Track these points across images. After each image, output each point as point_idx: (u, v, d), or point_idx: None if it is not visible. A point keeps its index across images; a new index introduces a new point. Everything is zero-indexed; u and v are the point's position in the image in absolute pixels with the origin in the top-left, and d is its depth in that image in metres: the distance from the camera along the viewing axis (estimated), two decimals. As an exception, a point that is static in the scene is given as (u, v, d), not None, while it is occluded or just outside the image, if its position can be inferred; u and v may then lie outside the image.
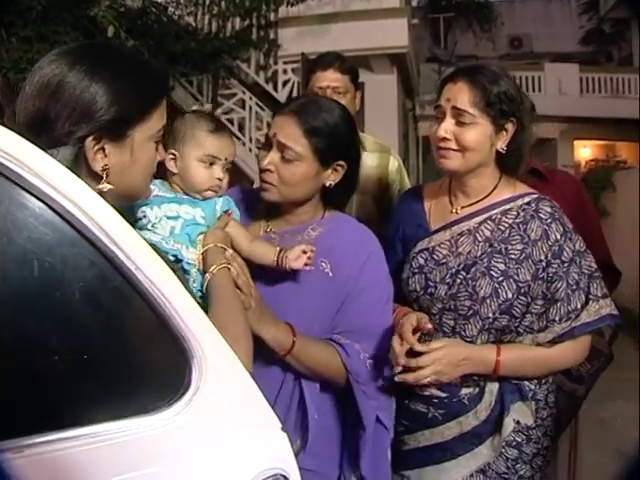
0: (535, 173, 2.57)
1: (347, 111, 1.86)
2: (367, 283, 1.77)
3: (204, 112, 1.73)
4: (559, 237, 1.81)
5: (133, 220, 1.58)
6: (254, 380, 1.24)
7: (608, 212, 10.26)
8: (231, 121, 9.64)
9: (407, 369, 1.71)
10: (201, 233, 1.63)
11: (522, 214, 1.85)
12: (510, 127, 1.83)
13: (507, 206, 1.87)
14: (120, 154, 1.28)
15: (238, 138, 9.51)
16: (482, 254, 1.83)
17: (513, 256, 1.80)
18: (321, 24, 9.62)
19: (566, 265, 1.80)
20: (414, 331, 1.72)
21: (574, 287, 1.80)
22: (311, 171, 1.73)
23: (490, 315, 1.80)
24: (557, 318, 1.80)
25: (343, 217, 1.91)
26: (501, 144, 1.83)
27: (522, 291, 1.79)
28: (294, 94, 9.42)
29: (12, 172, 1.04)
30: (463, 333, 1.83)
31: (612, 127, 13.96)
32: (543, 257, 1.80)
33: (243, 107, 9.67)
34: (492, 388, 1.85)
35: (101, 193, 1.22)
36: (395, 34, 9.79)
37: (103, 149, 1.25)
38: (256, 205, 1.92)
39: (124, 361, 1.17)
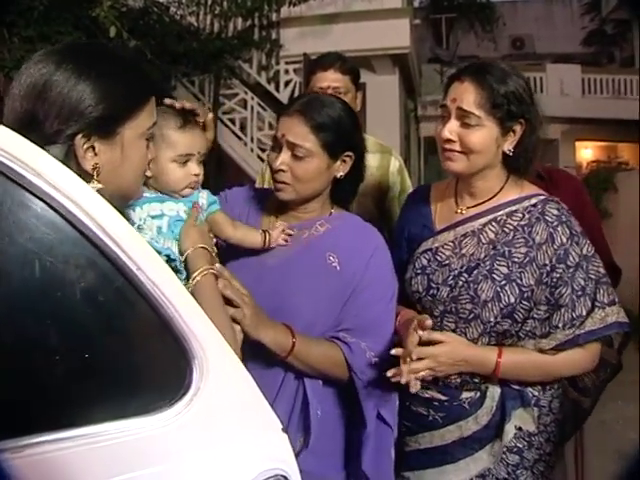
0: (537, 175, 2.56)
1: (347, 104, 1.91)
2: (372, 278, 1.81)
3: (169, 107, 1.68)
4: (565, 241, 1.75)
5: None
6: (255, 381, 1.24)
7: (610, 213, 10.26)
8: (233, 121, 9.66)
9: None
10: None
11: (527, 216, 1.80)
12: (518, 128, 1.77)
13: (513, 207, 1.83)
14: (111, 152, 1.28)
15: (240, 138, 9.52)
16: (485, 256, 1.79)
17: (516, 259, 1.76)
18: (323, 24, 9.62)
19: (571, 270, 1.74)
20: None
21: (579, 293, 1.74)
22: (322, 165, 1.79)
23: (492, 319, 1.76)
24: (560, 325, 1.74)
25: (349, 215, 1.97)
26: (508, 146, 1.78)
27: (525, 296, 1.74)
28: (296, 94, 9.41)
29: (14, 172, 1.04)
30: (464, 336, 1.81)
31: (614, 128, 13.95)
32: (548, 261, 1.74)
33: (245, 107, 9.66)
34: (494, 393, 1.82)
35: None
36: (397, 35, 9.78)
37: (93, 147, 1.25)
38: (265, 203, 1.97)
39: (125, 361, 1.18)
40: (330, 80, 2.62)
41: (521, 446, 1.81)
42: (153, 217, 1.60)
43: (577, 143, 15.28)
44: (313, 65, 2.75)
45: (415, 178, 13.11)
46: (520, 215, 1.81)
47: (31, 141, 1.13)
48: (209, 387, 1.16)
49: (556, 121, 12.77)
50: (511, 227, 1.80)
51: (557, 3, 20.07)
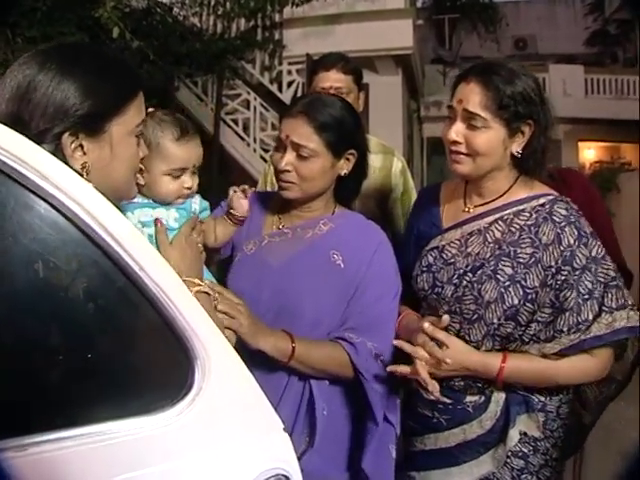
0: (548, 176, 2.54)
1: (348, 103, 1.95)
2: (375, 275, 1.83)
3: (166, 116, 1.65)
4: (572, 242, 1.70)
5: None
6: (258, 381, 1.24)
7: (612, 213, 10.22)
8: (236, 122, 9.67)
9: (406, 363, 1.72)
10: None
11: (535, 216, 1.76)
12: (527, 130, 1.74)
13: (520, 207, 1.79)
14: (99, 150, 1.27)
15: (242, 139, 9.53)
16: (490, 256, 1.76)
17: (522, 260, 1.73)
18: (326, 25, 9.63)
19: (578, 273, 1.69)
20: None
21: (586, 297, 1.68)
22: (327, 164, 1.81)
23: (495, 321, 1.73)
24: (565, 329, 1.69)
25: (352, 213, 2.00)
26: (516, 147, 1.75)
27: (529, 297, 1.71)
28: (299, 95, 9.42)
29: (17, 173, 1.05)
30: (467, 338, 1.78)
31: (617, 129, 13.93)
32: (553, 263, 1.70)
33: (248, 108, 9.68)
34: (498, 398, 1.80)
35: None
36: (400, 35, 9.78)
37: (82, 146, 1.25)
38: (266, 206, 1.99)
39: (127, 361, 1.18)
40: (332, 80, 2.62)
41: (526, 451, 1.79)
42: (144, 224, 1.59)
43: (580, 144, 15.26)
44: (315, 65, 2.75)
45: (418, 179, 13.11)
46: (527, 214, 1.77)
47: None
48: (211, 387, 1.17)
49: (559, 121, 12.61)
50: (518, 227, 1.77)
51: (560, 3, 20.03)
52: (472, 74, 1.76)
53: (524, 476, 1.79)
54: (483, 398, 1.81)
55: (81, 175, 1.22)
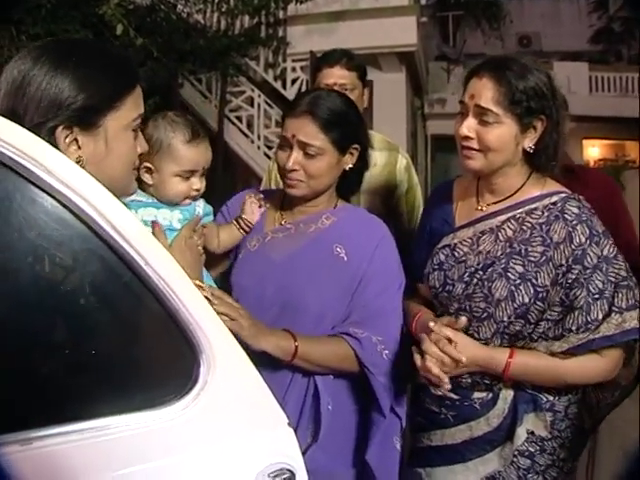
0: (566, 169, 2.54)
1: (348, 98, 1.98)
2: (379, 268, 1.84)
3: (178, 117, 1.67)
4: (584, 240, 1.68)
5: None
6: (262, 375, 1.25)
7: (617, 211, 10.21)
8: (240, 119, 9.68)
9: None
10: None
11: (547, 214, 1.74)
12: (539, 125, 1.72)
13: (533, 205, 1.77)
14: (94, 144, 1.27)
15: (246, 136, 9.53)
16: (501, 254, 1.75)
17: (533, 258, 1.71)
18: (330, 22, 9.62)
19: (589, 271, 1.66)
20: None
21: (596, 296, 1.66)
22: (333, 161, 1.84)
23: (505, 319, 1.72)
24: (574, 328, 1.67)
25: (354, 207, 2.03)
26: (528, 143, 1.73)
27: (539, 296, 1.69)
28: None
29: (23, 168, 1.06)
30: (477, 336, 1.77)
31: (621, 126, 13.90)
32: (564, 261, 1.68)
33: (252, 105, 9.68)
34: (506, 396, 1.79)
35: None
36: (404, 32, 9.76)
37: (76, 140, 1.25)
38: (267, 202, 1.99)
39: (133, 356, 1.19)
40: (336, 77, 2.62)
41: (533, 450, 1.77)
42: (146, 223, 1.60)
43: (584, 141, 15.21)
44: (319, 62, 2.74)
45: (422, 176, 13.10)
46: (539, 213, 1.75)
47: None
48: (216, 381, 1.18)
49: (563, 119, 12.71)
50: (529, 225, 1.75)
51: (564, 1, 19.98)
52: (484, 69, 1.74)
53: (530, 475, 1.78)
54: (491, 395, 1.80)
55: None
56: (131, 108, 1.32)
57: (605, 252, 1.69)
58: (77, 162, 1.22)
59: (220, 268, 1.94)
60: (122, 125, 1.31)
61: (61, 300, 1.10)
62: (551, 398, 1.79)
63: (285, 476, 1.22)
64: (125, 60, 1.41)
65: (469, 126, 1.74)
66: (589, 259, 1.67)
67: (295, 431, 1.27)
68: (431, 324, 1.71)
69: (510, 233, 1.78)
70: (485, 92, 1.71)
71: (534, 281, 1.70)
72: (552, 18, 19.77)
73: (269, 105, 9.56)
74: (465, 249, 1.84)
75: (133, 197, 1.60)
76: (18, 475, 0.99)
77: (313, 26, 9.62)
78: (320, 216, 1.91)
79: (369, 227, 1.92)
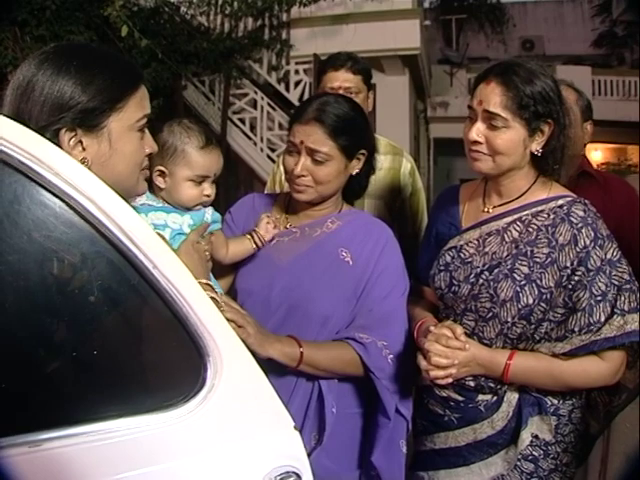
0: (586, 175, 2.55)
1: (355, 103, 1.97)
2: (384, 272, 1.86)
3: (193, 124, 1.71)
4: (588, 243, 1.69)
5: None
6: (268, 378, 1.25)
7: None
8: (243, 121, 9.67)
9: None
10: None
11: (552, 216, 1.75)
12: (546, 129, 1.74)
13: (539, 208, 1.79)
14: (98, 145, 1.28)
15: (249, 138, 9.53)
16: (507, 255, 1.77)
17: (538, 260, 1.72)
18: (333, 25, 9.62)
19: (592, 274, 1.68)
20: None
21: (599, 298, 1.67)
22: (341, 166, 1.85)
23: (509, 319, 1.73)
24: (576, 329, 1.68)
25: (359, 211, 2.05)
26: (536, 146, 1.75)
27: (544, 297, 1.70)
28: (306, 94, 9.43)
29: (32, 171, 1.06)
30: (481, 335, 1.79)
31: (624, 130, 13.86)
32: (569, 264, 1.69)
33: (255, 107, 9.67)
34: (511, 399, 1.80)
35: None
36: (407, 35, 9.75)
37: (81, 142, 1.26)
38: (272, 206, 2.02)
39: (140, 359, 1.20)
40: (341, 80, 2.62)
41: (537, 454, 1.78)
42: (157, 226, 1.62)
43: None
44: (324, 65, 2.74)
45: (424, 179, 13.09)
46: (545, 215, 1.77)
47: None
48: (223, 384, 1.18)
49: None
50: (535, 227, 1.77)
51: (567, 4, 19.95)
52: (492, 75, 1.76)
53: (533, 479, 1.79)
54: (495, 398, 1.81)
55: None
56: (135, 109, 1.34)
57: (609, 255, 1.70)
58: (82, 163, 1.23)
59: (226, 279, 1.94)
60: (126, 126, 1.32)
61: (69, 303, 1.10)
62: (555, 402, 1.80)
63: (291, 479, 1.22)
64: (127, 62, 1.43)
65: (478, 131, 1.76)
66: (592, 261, 1.68)
67: (301, 433, 1.27)
68: (431, 328, 1.73)
69: (516, 235, 1.79)
70: (493, 97, 1.72)
71: (539, 282, 1.71)
72: (555, 22, 19.74)
73: (272, 107, 9.55)
74: (471, 250, 1.85)
75: (143, 201, 1.63)
76: (26, 477, 1.00)
77: (317, 29, 9.62)
78: (325, 220, 1.92)
79: (374, 231, 1.93)
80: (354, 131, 1.85)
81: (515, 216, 1.81)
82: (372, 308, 1.83)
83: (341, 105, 1.86)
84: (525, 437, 1.77)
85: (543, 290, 1.71)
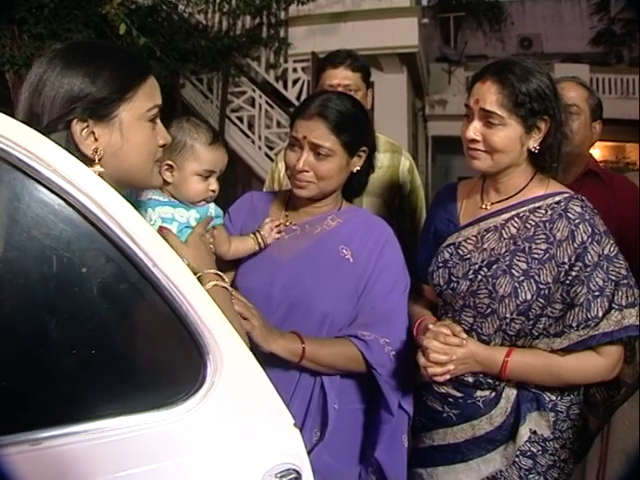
0: (592, 174, 2.55)
1: (357, 100, 1.99)
2: (384, 270, 1.87)
3: (201, 122, 1.76)
4: (585, 239, 1.70)
5: None
6: (268, 376, 1.25)
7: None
8: (241, 119, 9.67)
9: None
10: None
11: (550, 212, 1.77)
12: (543, 126, 1.76)
13: (537, 204, 1.80)
14: (110, 135, 1.30)
15: (247, 136, 9.53)
16: (505, 252, 1.78)
17: (536, 256, 1.74)
18: (331, 23, 9.62)
19: (589, 269, 1.69)
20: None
21: (597, 293, 1.68)
22: (343, 162, 1.86)
23: (507, 315, 1.75)
24: (574, 324, 1.69)
25: (358, 209, 2.06)
26: (533, 143, 1.77)
27: (542, 293, 1.72)
28: (304, 93, 9.43)
29: (31, 168, 1.06)
30: (480, 331, 1.81)
31: (622, 128, 13.83)
32: (567, 259, 1.71)
33: (253, 105, 9.67)
34: (509, 395, 1.81)
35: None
36: (405, 33, 9.76)
37: (93, 133, 1.28)
38: (272, 203, 2.03)
39: (140, 357, 1.20)
40: (340, 78, 2.62)
41: (535, 450, 1.79)
42: (164, 220, 1.65)
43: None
44: (323, 62, 2.74)
45: (423, 177, 13.05)
46: (543, 211, 1.79)
47: None
48: (223, 382, 1.18)
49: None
50: (533, 223, 1.78)
51: (565, 3, 19.95)
52: (487, 73, 1.77)
53: (532, 476, 1.80)
54: (494, 394, 1.82)
55: (93, 161, 1.26)
56: (145, 98, 1.36)
57: (606, 251, 1.72)
58: (94, 153, 1.27)
59: (226, 276, 1.95)
60: (136, 115, 1.34)
61: (68, 300, 1.10)
62: (554, 398, 1.81)
63: (291, 476, 1.22)
64: (134, 54, 1.47)
65: (475, 129, 1.77)
66: (589, 257, 1.70)
67: (301, 430, 1.28)
68: (430, 325, 1.75)
69: (514, 231, 1.81)
70: (489, 96, 1.74)
71: (537, 278, 1.73)
72: (553, 20, 19.75)
73: (270, 106, 9.54)
74: (470, 247, 1.87)
75: (150, 195, 1.67)
76: (27, 475, 1.00)
77: (315, 27, 9.62)
78: (326, 217, 1.93)
79: (374, 229, 1.94)
80: (356, 127, 1.86)
81: (513, 212, 1.83)
82: (374, 306, 1.83)
83: (344, 102, 1.87)
84: (523, 433, 1.78)
85: (541, 286, 1.72)
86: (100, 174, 1.23)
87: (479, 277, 1.80)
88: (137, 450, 1.11)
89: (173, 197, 1.71)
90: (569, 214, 1.75)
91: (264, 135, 9.50)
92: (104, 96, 1.28)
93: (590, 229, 1.72)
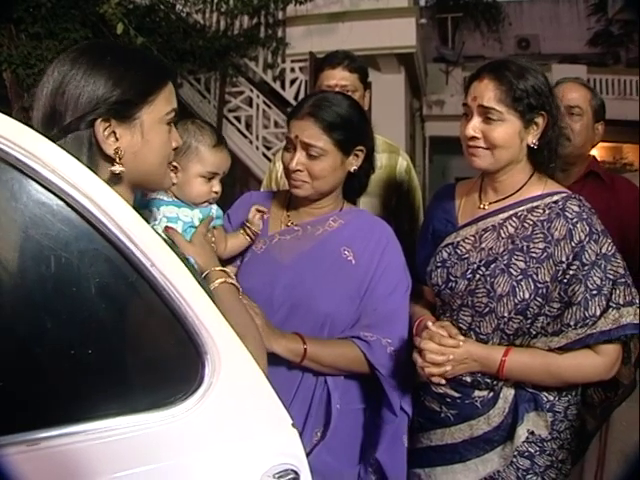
0: (593, 175, 2.56)
1: (354, 100, 1.99)
2: (386, 271, 1.87)
3: (206, 124, 1.79)
4: (583, 238, 1.71)
5: None
6: (268, 377, 1.25)
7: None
8: (238, 119, 9.66)
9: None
10: None
11: (548, 212, 1.78)
12: (540, 121, 1.78)
13: (535, 203, 1.81)
14: (131, 136, 1.32)
15: (245, 136, 9.52)
16: (503, 251, 1.79)
17: (534, 255, 1.75)
18: (329, 23, 9.61)
19: (587, 268, 1.70)
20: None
21: (594, 292, 1.69)
22: (337, 161, 1.85)
23: (505, 314, 1.75)
24: (572, 323, 1.70)
25: (360, 210, 2.08)
26: (532, 139, 1.79)
27: (539, 292, 1.73)
28: (301, 93, 9.41)
29: (29, 168, 1.06)
30: (478, 330, 1.81)
31: (619, 129, 13.83)
32: (564, 258, 1.71)
33: (250, 105, 9.66)
34: (507, 395, 1.82)
35: (118, 180, 1.30)
36: (403, 33, 9.75)
37: (114, 133, 1.30)
38: (272, 204, 2.04)
39: (138, 356, 1.19)
40: (338, 78, 2.62)
41: (532, 451, 1.80)
42: (169, 220, 1.68)
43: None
44: (321, 63, 2.75)
45: (420, 177, 13.07)
46: (541, 211, 1.80)
47: (54, 134, 1.21)
48: (221, 382, 1.18)
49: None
50: (531, 222, 1.79)
51: (563, 3, 19.96)
52: (484, 72, 1.80)
53: (529, 476, 1.80)
54: (492, 394, 1.83)
55: (114, 160, 1.28)
56: (164, 102, 1.38)
57: (604, 250, 1.72)
58: (115, 153, 1.28)
59: None
60: (156, 118, 1.36)
61: (66, 300, 1.10)
62: (551, 398, 1.81)
63: (289, 477, 1.22)
64: (157, 58, 1.51)
65: (474, 126, 1.79)
66: (587, 256, 1.71)
67: (302, 430, 1.28)
68: (429, 324, 1.75)
69: (512, 230, 1.81)
70: (487, 92, 1.76)
71: (535, 277, 1.74)
72: (551, 20, 19.76)
73: (268, 106, 9.53)
74: (468, 246, 1.87)
75: (154, 195, 1.69)
76: (26, 475, 1.00)
77: (312, 27, 9.61)
78: (327, 218, 1.93)
79: (376, 230, 1.94)
80: (350, 126, 1.86)
81: (511, 212, 1.84)
82: (376, 307, 1.84)
83: (337, 101, 1.88)
84: (521, 433, 1.78)
85: (539, 285, 1.73)
86: (120, 173, 1.29)
87: (477, 276, 1.81)
88: (135, 450, 1.11)
89: (176, 197, 1.73)
90: (567, 213, 1.75)
91: (262, 135, 9.48)
92: (128, 98, 1.30)
93: (588, 228, 1.73)
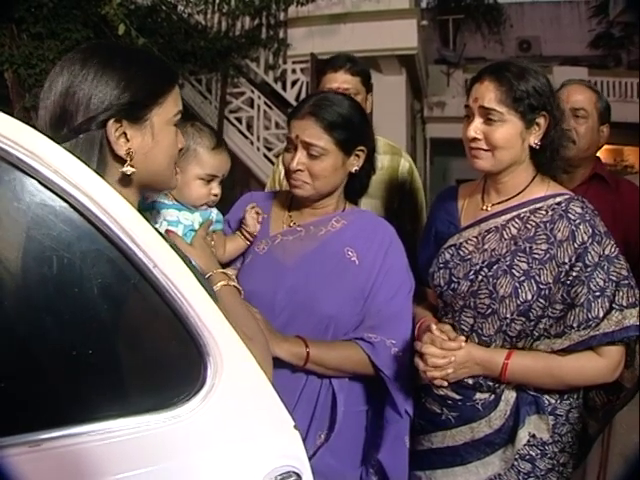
0: (598, 178, 2.56)
1: (354, 100, 2.00)
2: (390, 272, 1.87)
3: (205, 127, 1.79)
4: (586, 239, 1.71)
5: None
6: (270, 379, 1.25)
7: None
8: (239, 120, 9.66)
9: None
10: None
11: (551, 213, 1.78)
12: (542, 122, 1.78)
13: (537, 205, 1.81)
14: (142, 137, 1.32)
15: (246, 137, 9.52)
16: (506, 252, 1.79)
17: (537, 256, 1.74)
18: (330, 24, 9.60)
19: (589, 269, 1.69)
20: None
21: (597, 293, 1.68)
22: (337, 162, 1.85)
23: (508, 315, 1.75)
24: (575, 324, 1.69)
25: (362, 210, 2.07)
26: (534, 139, 1.79)
27: (542, 293, 1.72)
28: (303, 94, 9.41)
29: (32, 169, 1.05)
30: (480, 332, 1.81)
31: (620, 131, 13.74)
32: (567, 260, 1.71)
33: (251, 106, 9.66)
34: (509, 397, 1.81)
35: (127, 181, 1.31)
36: (404, 35, 9.74)
37: (125, 134, 1.30)
38: (273, 205, 2.03)
39: (140, 358, 1.19)
40: (340, 81, 2.63)
41: (534, 454, 1.79)
42: (169, 222, 1.68)
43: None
44: (324, 66, 2.76)
45: (421, 179, 13.06)
46: (544, 212, 1.79)
47: (64, 135, 1.22)
48: (223, 384, 1.18)
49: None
50: (534, 223, 1.79)
51: (564, 5, 19.99)
52: (485, 74, 1.81)
53: (530, 479, 1.79)
54: (493, 397, 1.82)
55: (125, 161, 1.28)
56: (172, 104, 1.39)
57: (606, 251, 1.73)
58: (127, 154, 1.29)
59: None
60: (165, 120, 1.37)
61: (69, 302, 1.10)
62: (553, 401, 1.81)
63: (291, 479, 1.22)
64: (164, 61, 1.50)
65: (476, 128, 1.79)
66: (590, 257, 1.71)
67: (307, 432, 1.28)
68: (432, 326, 1.75)
69: (515, 231, 1.81)
70: (488, 94, 1.77)
71: (537, 278, 1.74)
72: (552, 22, 19.78)
73: (269, 107, 9.53)
74: (470, 248, 1.87)
75: (155, 198, 1.69)
76: (27, 477, 0.99)
77: (314, 28, 9.61)
78: (330, 219, 1.93)
79: (379, 230, 1.93)
80: (350, 126, 1.85)
81: (514, 213, 1.84)
82: (380, 309, 1.83)
83: (338, 101, 1.88)
84: (522, 436, 1.78)
85: (542, 286, 1.73)
86: (131, 174, 1.29)
87: (480, 277, 1.81)
88: (137, 452, 1.11)
89: (176, 200, 1.73)
90: (570, 215, 1.75)
91: (263, 136, 9.48)
92: (139, 100, 1.31)
93: (590, 230, 1.73)
